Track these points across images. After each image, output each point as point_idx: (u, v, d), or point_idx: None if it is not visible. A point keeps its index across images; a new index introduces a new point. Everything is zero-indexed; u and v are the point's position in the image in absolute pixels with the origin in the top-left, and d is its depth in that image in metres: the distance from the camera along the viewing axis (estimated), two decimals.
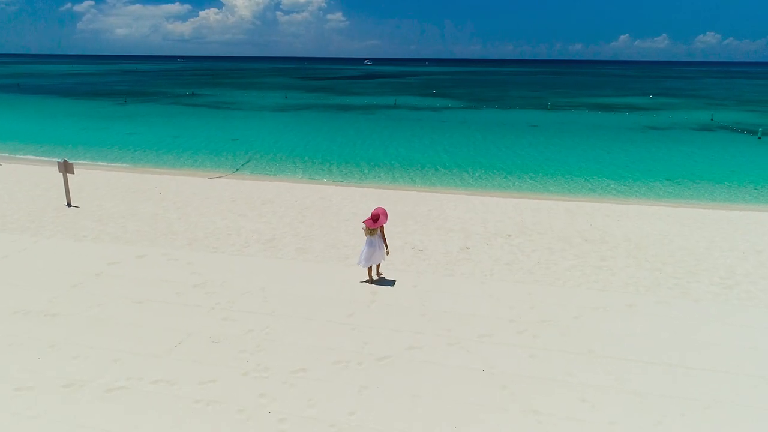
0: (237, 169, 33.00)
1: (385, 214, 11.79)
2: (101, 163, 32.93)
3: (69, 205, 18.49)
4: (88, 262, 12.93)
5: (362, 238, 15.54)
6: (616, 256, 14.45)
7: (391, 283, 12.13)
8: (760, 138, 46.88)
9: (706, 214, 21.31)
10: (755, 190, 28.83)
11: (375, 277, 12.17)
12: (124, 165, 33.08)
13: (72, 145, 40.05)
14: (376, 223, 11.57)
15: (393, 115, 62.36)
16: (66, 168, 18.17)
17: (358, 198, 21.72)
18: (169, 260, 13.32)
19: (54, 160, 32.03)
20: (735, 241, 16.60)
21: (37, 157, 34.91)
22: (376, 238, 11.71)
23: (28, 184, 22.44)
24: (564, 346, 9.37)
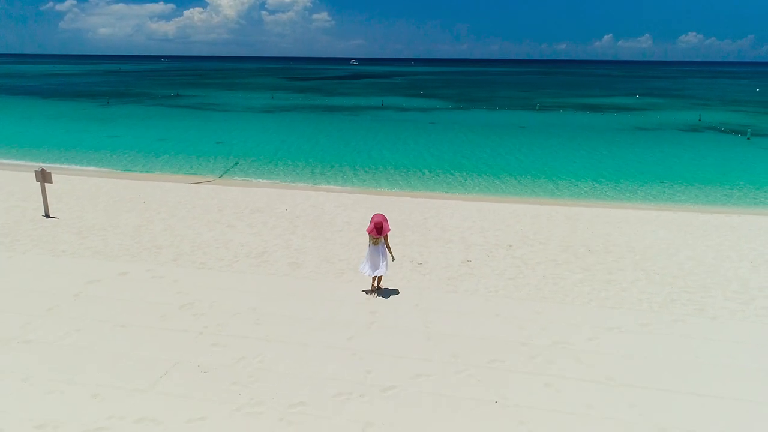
0: (223, 174, 32.14)
1: (387, 221, 11.48)
2: (82, 168, 31.83)
3: (47, 216, 17.56)
4: (66, 281, 12.08)
5: (358, 250, 14.91)
6: (624, 268, 13.87)
7: (392, 300, 11.45)
8: (749, 139, 46.89)
9: (707, 220, 20.86)
10: (750, 193, 28.57)
11: (377, 286, 11.93)
12: (106, 170, 32.03)
13: (52, 148, 38.84)
14: (380, 232, 11.28)
15: (381, 116, 61.65)
16: (44, 177, 17.23)
17: (350, 205, 20.98)
18: (153, 278, 12.51)
19: (32, 164, 31.01)
20: (742, 250, 16.12)
21: (15, 161, 33.72)
22: (381, 246, 11.41)
23: (3, 192, 21.42)
24: (581, 373, 8.73)
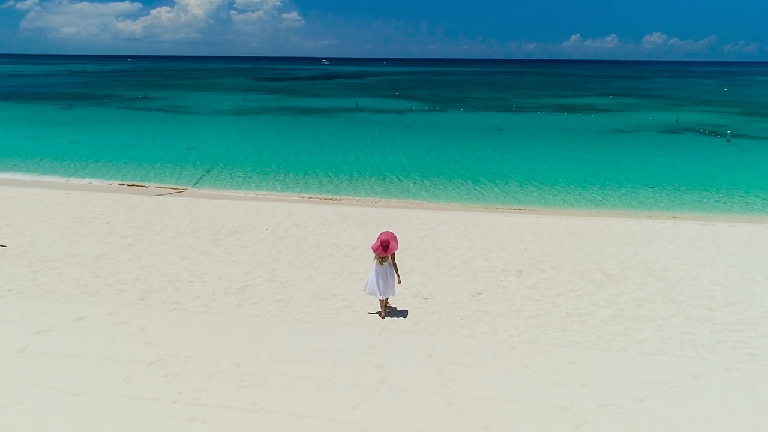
0: (195, 183, 30.08)
1: (395, 239, 10.88)
2: (40, 179, 29.35)
3: None
4: (10, 332, 10.12)
5: (351, 281, 13.21)
6: (652, 299, 12.44)
7: (401, 349, 9.79)
8: (728, 140, 46.57)
9: (715, 232, 19.73)
10: (741, 198, 27.90)
11: (386, 305, 11.33)
12: (66, 179, 29.65)
13: (8, 155, 36.04)
14: (387, 251, 10.64)
15: (357, 118, 59.90)
16: None
17: (336, 223, 19.22)
18: (115, 324, 10.61)
19: None
20: (764, 269, 14.89)
21: None
22: (387, 266, 10.80)
23: None
24: None
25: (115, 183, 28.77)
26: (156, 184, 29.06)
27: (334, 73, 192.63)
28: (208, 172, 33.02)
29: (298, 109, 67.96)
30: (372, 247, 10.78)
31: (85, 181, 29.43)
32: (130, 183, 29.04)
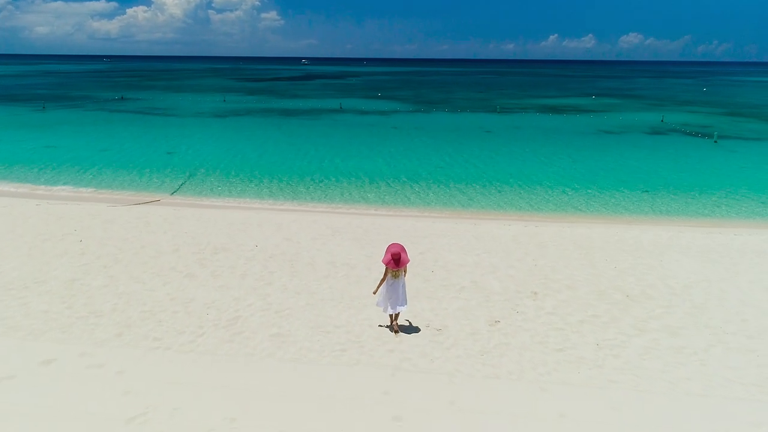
0: (175, 191, 28.58)
1: (405, 251, 10.58)
2: (9, 188, 27.56)
3: None
4: None
5: (354, 308, 11.99)
6: (684, 325, 11.43)
7: (419, 396, 8.60)
8: (716, 142, 46.31)
9: (725, 242, 18.90)
10: (737, 201, 27.32)
11: (397, 323, 10.93)
12: (39, 188, 27.93)
13: None
14: (399, 264, 10.31)
15: (341, 120, 58.58)
16: None
17: (329, 237, 17.97)
18: (89, 368, 9.26)
19: None
20: None
21: None
22: (400, 280, 10.45)
23: None
24: None
25: (91, 191, 27.16)
26: (134, 192, 27.54)
27: (314, 74, 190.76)
28: (189, 178, 31.52)
29: (281, 111, 66.40)
30: (383, 261, 10.41)
31: (58, 189, 27.75)
32: (107, 191, 27.45)
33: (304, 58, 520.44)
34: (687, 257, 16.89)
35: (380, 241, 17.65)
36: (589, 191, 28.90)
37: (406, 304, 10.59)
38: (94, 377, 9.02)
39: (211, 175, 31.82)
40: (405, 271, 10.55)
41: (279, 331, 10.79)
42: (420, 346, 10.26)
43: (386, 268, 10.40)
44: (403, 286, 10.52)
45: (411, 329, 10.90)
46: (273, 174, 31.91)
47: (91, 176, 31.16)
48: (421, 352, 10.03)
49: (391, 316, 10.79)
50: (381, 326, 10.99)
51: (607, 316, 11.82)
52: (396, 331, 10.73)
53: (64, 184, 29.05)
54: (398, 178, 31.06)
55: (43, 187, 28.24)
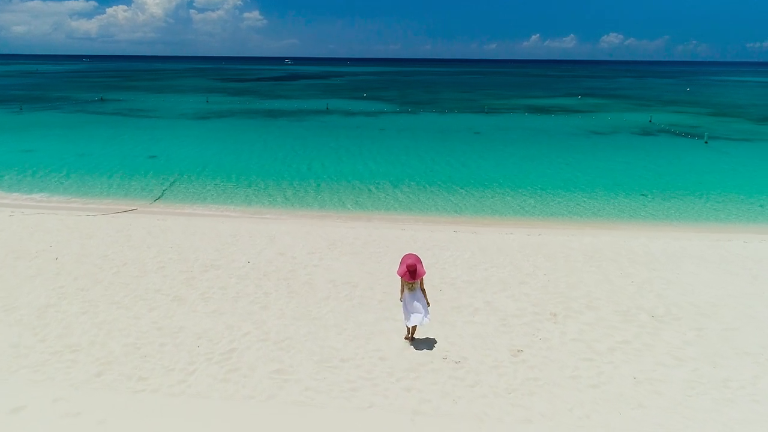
0: (158, 198, 27.26)
1: (421, 262, 10.45)
2: None
3: None
4: None
5: (361, 335, 10.87)
6: (721, 353, 10.52)
7: None
8: (706, 143, 45.99)
9: (737, 251, 18.21)
10: (737, 206, 26.61)
11: (412, 336, 10.79)
12: (13, 196, 26.44)
13: None
14: (414, 276, 10.17)
15: (328, 122, 57.34)
16: None
17: (325, 250, 16.84)
18: (65, 418, 8.06)
19: None
20: None
21: None
22: (417, 291, 10.28)
23: None
24: None
25: (69, 199, 25.75)
26: (115, 200, 26.19)
27: (298, 74, 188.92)
28: (172, 184, 30.16)
29: (266, 112, 64.98)
30: (398, 273, 10.33)
31: (34, 197, 26.28)
32: (86, 199, 26.07)
33: (287, 58, 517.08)
34: (703, 269, 16.07)
35: (381, 255, 16.59)
36: (587, 195, 28.22)
37: (426, 315, 10.27)
38: (70, 428, 7.82)
39: (196, 180, 30.54)
40: (421, 282, 10.37)
41: (280, 367, 9.65)
42: (439, 384, 9.19)
43: (402, 280, 10.27)
44: (421, 297, 10.29)
45: (427, 361, 9.84)
46: (261, 178, 30.73)
47: (69, 182, 29.73)
48: (442, 391, 8.96)
49: (408, 327, 10.65)
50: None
51: (637, 341, 10.86)
52: (410, 337, 10.73)
53: (41, 191, 27.60)
54: (391, 182, 30.06)
55: (17, 194, 26.74)
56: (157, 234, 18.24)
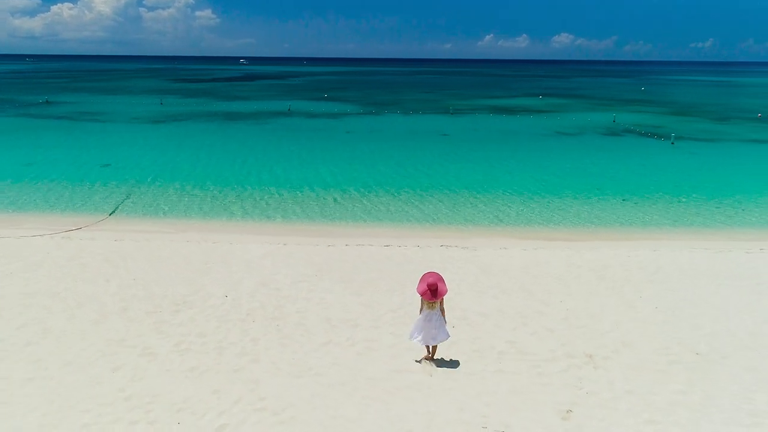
0: (113, 211, 24.83)
1: (443, 281, 10.15)
2: None
3: None
4: None
5: (378, 402, 9.01)
6: None
7: None
8: (673, 143, 46.13)
9: (742, 261, 17.76)
10: (718, 209, 26.31)
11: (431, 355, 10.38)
12: None
13: None
14: (436, 295, 9.91)
15: (290, 125, 55.12)
16: None
17: (313, 279, 14.90)
18: None
19: None
20: None
21: None
22: (436, 311, 10.01)
23: None
24: None
25: (12, 215, 23.08)
26: (65, 214, 23.70)
27: (255, 74, 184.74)
28: (128, 196, 27.63)
29: (224, 114, 62.17)
30: (418, 291, 10.06)
31: None
32: (31, 214, 23.41)
33: (242, 58, 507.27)
34: (723, 287, 15.02)
35: (374, 282, 14.82)
36: (570, 201, 27.74)
37: (446, 335, 10.11)
38: None
39: (153, 191, 28.13)
40: (441, 302, 10.09)
41: None
42: None
43: (421, 299, 10.01)
44: (440, 317, 10.02)
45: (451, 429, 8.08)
46: (224, 187, 28.75)
47: (11, 195, 26.93)
48: None
49: (427, 347, 10.34)
50: (417, 361, 10.34)
51: (695, 391, 9.39)
52: (428, 358, 10.37)
53: None
54: (367, 189, 28.61)
55: None
56: (116, 262, 15.91)
